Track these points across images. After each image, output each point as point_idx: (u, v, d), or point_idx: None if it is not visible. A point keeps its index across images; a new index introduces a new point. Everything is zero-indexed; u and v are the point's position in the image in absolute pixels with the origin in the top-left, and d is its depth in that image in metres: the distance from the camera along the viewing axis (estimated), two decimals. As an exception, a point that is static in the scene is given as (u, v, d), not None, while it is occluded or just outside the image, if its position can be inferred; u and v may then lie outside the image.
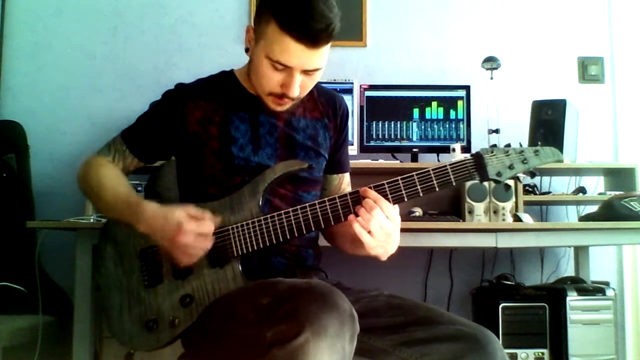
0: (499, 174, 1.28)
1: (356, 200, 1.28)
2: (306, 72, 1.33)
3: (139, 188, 2.39)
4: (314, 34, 1.25)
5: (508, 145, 1.31)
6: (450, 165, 1.28)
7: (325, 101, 1.53)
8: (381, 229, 1.24)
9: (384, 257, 1.31)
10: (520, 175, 1.30)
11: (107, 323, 1.40)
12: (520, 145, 1.31)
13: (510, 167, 1.28)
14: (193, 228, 1.26)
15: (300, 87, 1.34)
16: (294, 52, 1.27)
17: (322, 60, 1.33)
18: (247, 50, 1.40)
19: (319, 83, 1.51)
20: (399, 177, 1.28)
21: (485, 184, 2.26)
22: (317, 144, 1.49)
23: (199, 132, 1.42)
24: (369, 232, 1.23)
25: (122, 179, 1.46)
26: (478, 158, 1.28)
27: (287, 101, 1.38)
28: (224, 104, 1.44)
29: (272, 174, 1.37)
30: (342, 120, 1.55)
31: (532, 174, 1.30)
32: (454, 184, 1.28)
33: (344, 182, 1.59)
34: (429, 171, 1.27)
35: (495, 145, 1.31)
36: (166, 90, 1.49)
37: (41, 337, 2.21)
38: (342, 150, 1.57)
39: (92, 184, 1.44)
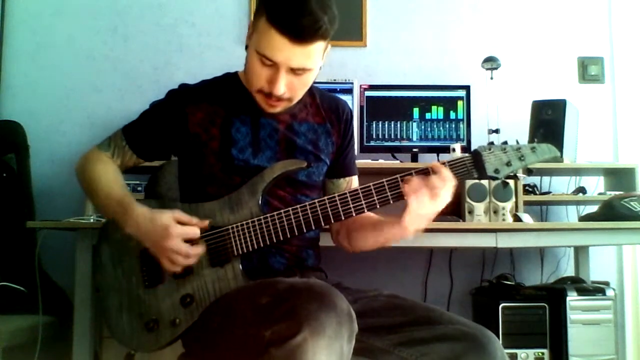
0: (496, 170, 1.29)
1: (356, 198, 1.29)
2: (293, 72, 1.31)
3: (139, 188, 2.40)
4: (298, 29, 1.24)
5: (505, 143, 1.31)
6: (448, 163, 1.28)
7: (328, 107, 1.53)
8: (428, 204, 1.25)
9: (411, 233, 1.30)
10: (520, 176, 1.30)
11: (107, 323, 1.39)
12: (517, 143, 1.31)
13: (508, 163, 1.29)
14: (179, 232, 1.27)
15: (288, 88, 1.33)
16: (278, 46, 1.26)
17: (309, 59, 1.30)
18: (246, 47, 1.40)
19: (321, 88, 1.52)
20: (398, 175, 1.28)
21: (485, 183, 2.26)
22: (318, 149, 1.49)
23: (200, 133, 1.42)
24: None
25: (118, 177, 1.46)
26: (476, 155, 1.29)
27: (277, 102, 1.36)
28: (226, 106, 1.44)
29: (271, 174, 1.37)
30: (346, 125, 1.55)
31: (530, 171, 1.31)
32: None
33: (352, 186, 1.57)
34: (428, 169, 1.27)
35: (492, 143, 1.31)
36: (170, 90, 1.49)
37: (41, 337, 2.20)
38: (347, 154, 1.57)
39: (88, 179, 1.45)
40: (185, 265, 1.29)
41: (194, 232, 1.29)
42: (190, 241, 1.29)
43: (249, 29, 1.37)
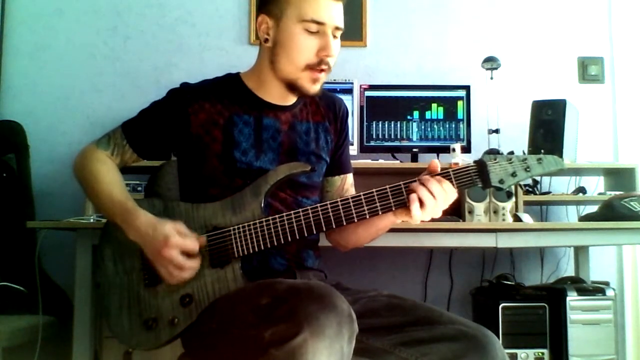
0: (501, 181, 1.29)
1: (358, 204, 1.29)
2: (333, 35, 1.38)
3: (139, 188, 2.40)
4: None
5: (511, 153, 1.32)
6: (453, 171, 1.28)
7: (326, 104, 1.54)
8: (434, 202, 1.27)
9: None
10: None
11: (106, 321, 1.39)
12: (524, 153, 1.31)
13: (513, 174, 1.29)
14: (178, 243, 1.26)
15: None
16: (326, 5, 1.35)
17: (342, 17, 1.40)
18: (266, 40, 1.41)
19: None
20: (401, 182, 1.28)
21: (485, 183, 2.27)
22: (319, 148, 1.49)
23: (202, 134, 1.42)
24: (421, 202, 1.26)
25: (119, 179, 1.44)
26: (481, 165, 1.29)
27: (323, 73, 1.40)
28: (229, 107, 1.44)
29: (275, 176, 1.36)
30: (343, 123, 1.56)
31: (535, 181, 1.31)
32: (456, 189, 1.29)
33: (347, 183, 1.58)
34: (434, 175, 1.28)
35: (498, 151, 1.32)
36: (171, 89, 1.48)
37: (41, 337, 2.20)
38: (343, 152, 1.57)
39: (88, 179, 1.44)
40: (179, 279, 1.29)
41: (193, 245, 1.28)
42: (187, 255, 1.29)
43: (262, 22, 1.40)
